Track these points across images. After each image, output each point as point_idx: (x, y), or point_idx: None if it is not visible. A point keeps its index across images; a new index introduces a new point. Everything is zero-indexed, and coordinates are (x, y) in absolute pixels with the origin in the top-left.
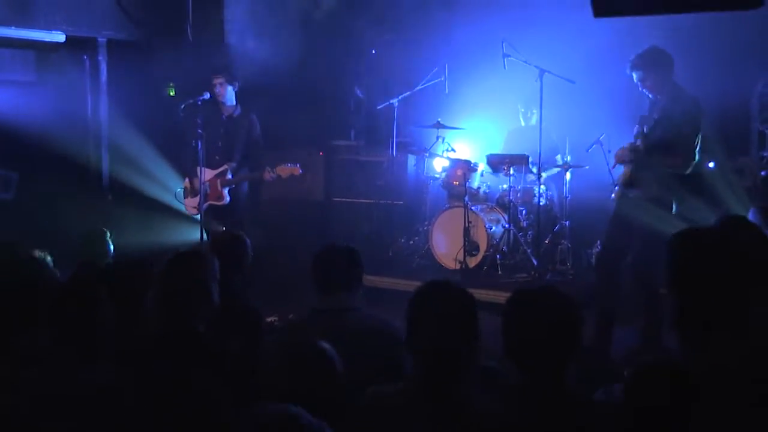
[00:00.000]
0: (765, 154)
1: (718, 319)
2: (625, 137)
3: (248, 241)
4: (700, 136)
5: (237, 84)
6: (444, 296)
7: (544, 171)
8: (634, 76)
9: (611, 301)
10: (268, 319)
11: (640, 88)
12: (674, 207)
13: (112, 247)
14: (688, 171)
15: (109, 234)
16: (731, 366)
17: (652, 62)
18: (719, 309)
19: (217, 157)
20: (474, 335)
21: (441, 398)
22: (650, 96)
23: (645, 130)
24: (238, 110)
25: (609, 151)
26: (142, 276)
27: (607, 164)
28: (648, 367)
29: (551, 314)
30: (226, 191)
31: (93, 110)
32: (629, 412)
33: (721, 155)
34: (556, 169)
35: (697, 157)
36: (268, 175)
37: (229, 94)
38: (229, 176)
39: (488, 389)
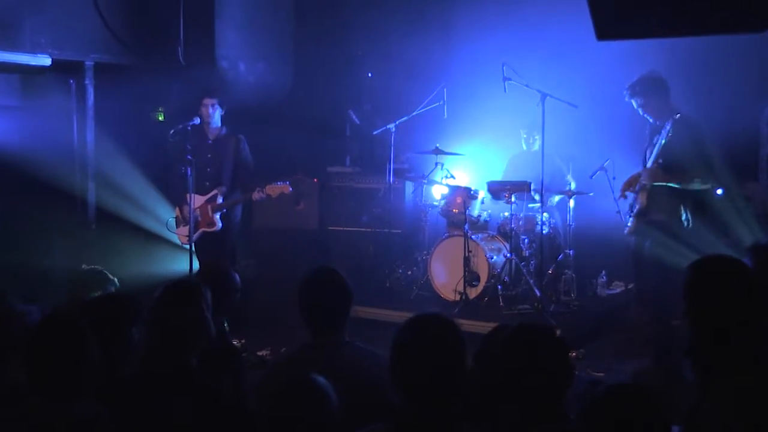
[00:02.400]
0: None
1: (732, 349)
2: (629, 163)
3: (236, 275)
4: (706, 155)
5: (225, 107)
6: (431, 330)
7: (552, 195)
8: (634, 102)
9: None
10: (260, 353)
11: (641, 114)
12: (683, 233)
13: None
14: (695, 186)
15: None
16: (742, 396)
17: (652, 88)
18: (734, 339)
19: (207, 183)
20: (462, 370)
21: None
22: (651, 120)
23: (650, 156)
24: (224, 131)
25: (614, 178)
26: (129, 309)
27: (612, 191)
28: (600, 401)
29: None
30: (217, 216)
31: (79, 135)
32: None
33: (730, 181)
34: (558, 197)
35: (704, 175)
36: (257, 195)
37: (217, 117)
38: (220, 200)
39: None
